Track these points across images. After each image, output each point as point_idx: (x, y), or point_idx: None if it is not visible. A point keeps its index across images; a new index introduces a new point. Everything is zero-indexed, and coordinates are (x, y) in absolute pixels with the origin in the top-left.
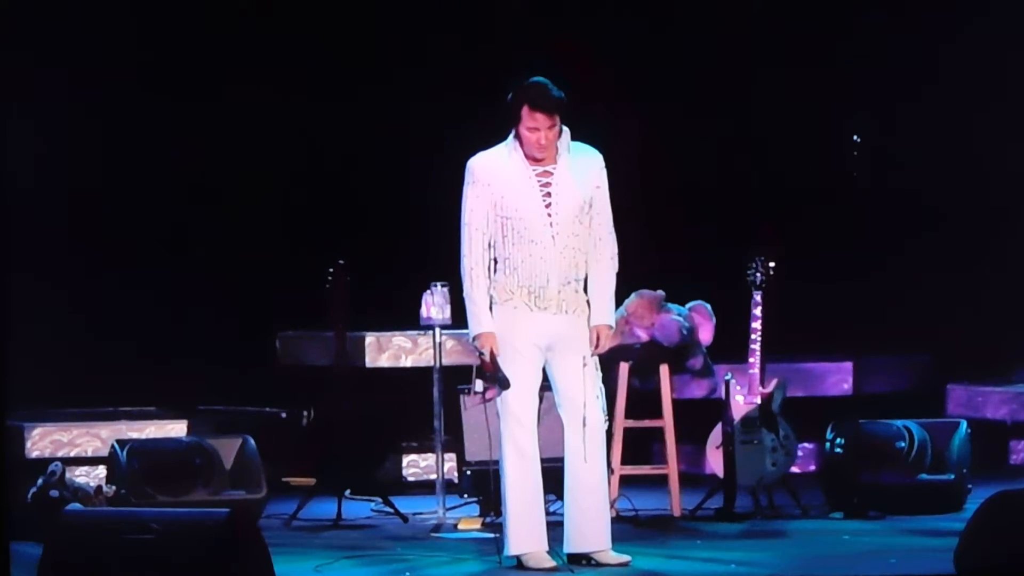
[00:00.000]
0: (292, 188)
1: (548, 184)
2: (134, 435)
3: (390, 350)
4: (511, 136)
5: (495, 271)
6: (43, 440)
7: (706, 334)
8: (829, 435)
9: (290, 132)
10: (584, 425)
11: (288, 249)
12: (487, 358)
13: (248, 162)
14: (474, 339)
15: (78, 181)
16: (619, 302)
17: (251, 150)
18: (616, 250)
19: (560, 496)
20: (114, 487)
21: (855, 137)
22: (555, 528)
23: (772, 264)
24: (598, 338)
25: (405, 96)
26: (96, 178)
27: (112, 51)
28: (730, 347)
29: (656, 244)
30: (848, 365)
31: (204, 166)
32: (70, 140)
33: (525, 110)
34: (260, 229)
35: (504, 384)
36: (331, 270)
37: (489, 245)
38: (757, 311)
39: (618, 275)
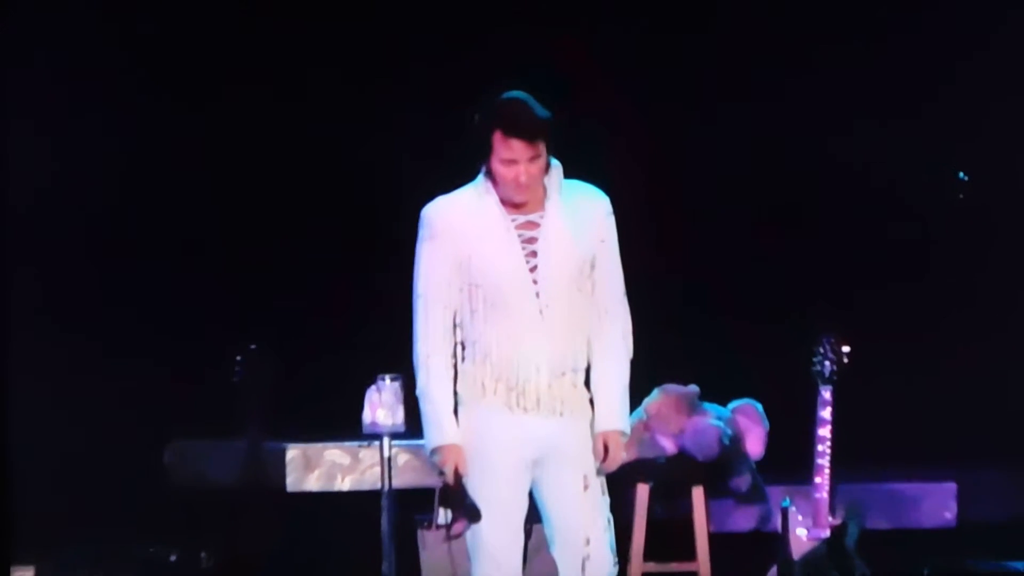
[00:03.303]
0: (190, 249)
1: (533, 239)
2: None
3: (322, 467)
4: (481, 175)
5: (462, 359)
6: None
7: (755, 444)
8: None
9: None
10: (584, 569)
11: (184, 329)
12: (451, 479)
13: (136, 215)
14: (433, 453)
15: None
16: (637, 400)
17: (141, 201)
18: (630, 327)
19: None
20: None
21: (960, 175)
22: None
23: (846, 349)
24: (606, 449)
25: (340, 126)
26: None
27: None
28: (788, 462)
29: (685, 320)
30: (950, 487)
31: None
32: None
33: (498, 137)
34: (147, 303)
35: (474, 515)
36: (240, 358)
37: (454, 323)
38: (826, 412)
39: (633, 362)
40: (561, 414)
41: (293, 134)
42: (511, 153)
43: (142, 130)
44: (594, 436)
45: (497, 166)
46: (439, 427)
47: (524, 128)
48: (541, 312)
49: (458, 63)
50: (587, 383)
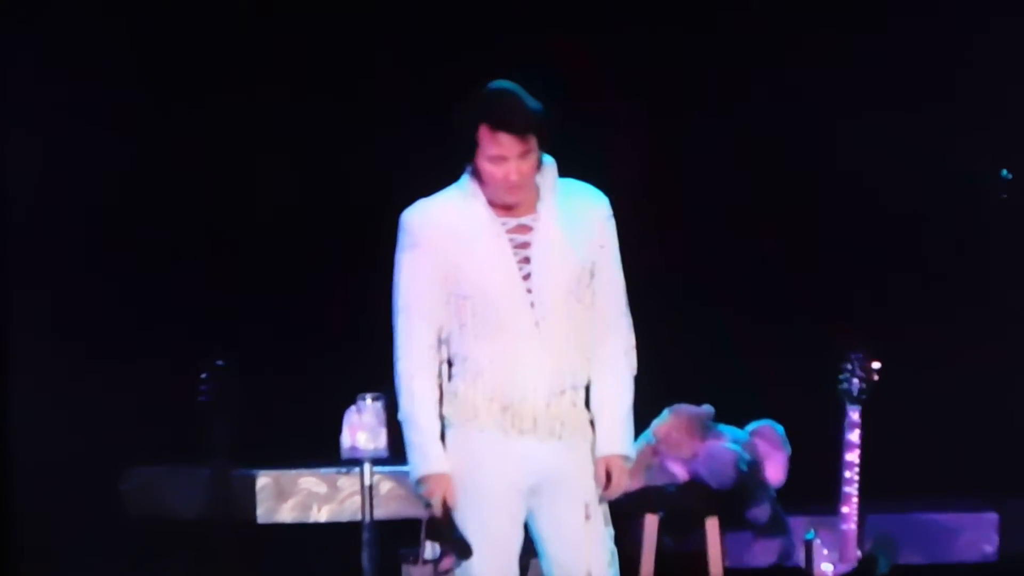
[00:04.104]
0: (152, 256)
1: (526, 244)
2: None
3: (296, 496)
4: (466, 175)
5: (449, 377)
6: None
7: (776, 470)
8: None
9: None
10: None
11: (143, 343)
12: (438, 511)
13: (99, 222)
14: (418, 483)
15: None
16: (645, 422)
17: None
18: (633, 341)
19: None
20: None
21: (1004, 172)
22: None
23: (876, 365)
24: (608, 476)
25: (327, 129)
26: None
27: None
28: (812, 490)
29: (696, 333)
30: (991, 517)
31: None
32: None
33: (485, 132)
34: (102, 314)
35: (464, 550)
36: (205, 375)
37: (439, 339)
38: (854, 435)
39: (640, 380)
40: (560, 437)
41: (273, 134)
42: (500, 149)
43: (115, 135)
44: (595, 461)
45: (484, 164)
46: (424, 455)
47: (514, 121)
48: (537, 324)
49: (457, 63)
50: (587, 404)
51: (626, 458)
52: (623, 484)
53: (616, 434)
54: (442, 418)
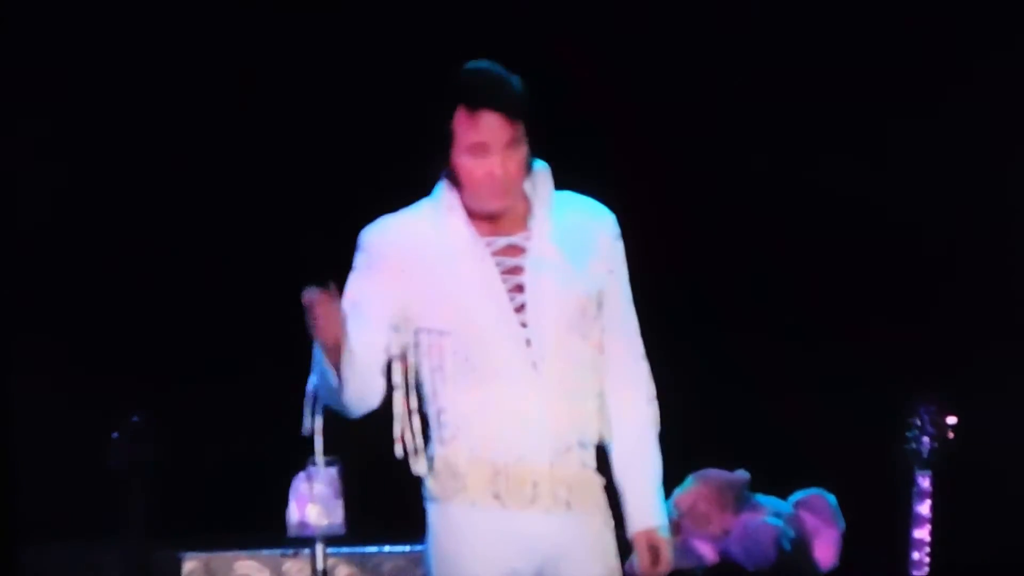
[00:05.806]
0: (56, 286)
1: (518, 268)
2: None
3: None
4: (441, 184)
5: (426, 440)
6: None
7: (826, 550)
8: None
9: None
10: None
11: (42, 394)
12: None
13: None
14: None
15: None
16: (663, 491)
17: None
18: (654, 389)
19: None
20: None
21: None
22: None
23: (951, 421)
24: (652, 555)
25: (306, 135)
26: None
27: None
28: (872, 573)
29: (728, 380)
30: None
31: None
32: None
33: (462, 116)
34: None
35: None
36: (117, 435)
37: (387, 367)
38: (924, 507)
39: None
40: (568, 504)
41: (245, 142)
42: (481, 135)
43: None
44: (633, 538)
45: (463, 160)
46: None
47: (499, 98)
48: (535, 367)
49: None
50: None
51: (661, 533)
52: (670, 561)
53: (653, 503)
54: (423, 489)
